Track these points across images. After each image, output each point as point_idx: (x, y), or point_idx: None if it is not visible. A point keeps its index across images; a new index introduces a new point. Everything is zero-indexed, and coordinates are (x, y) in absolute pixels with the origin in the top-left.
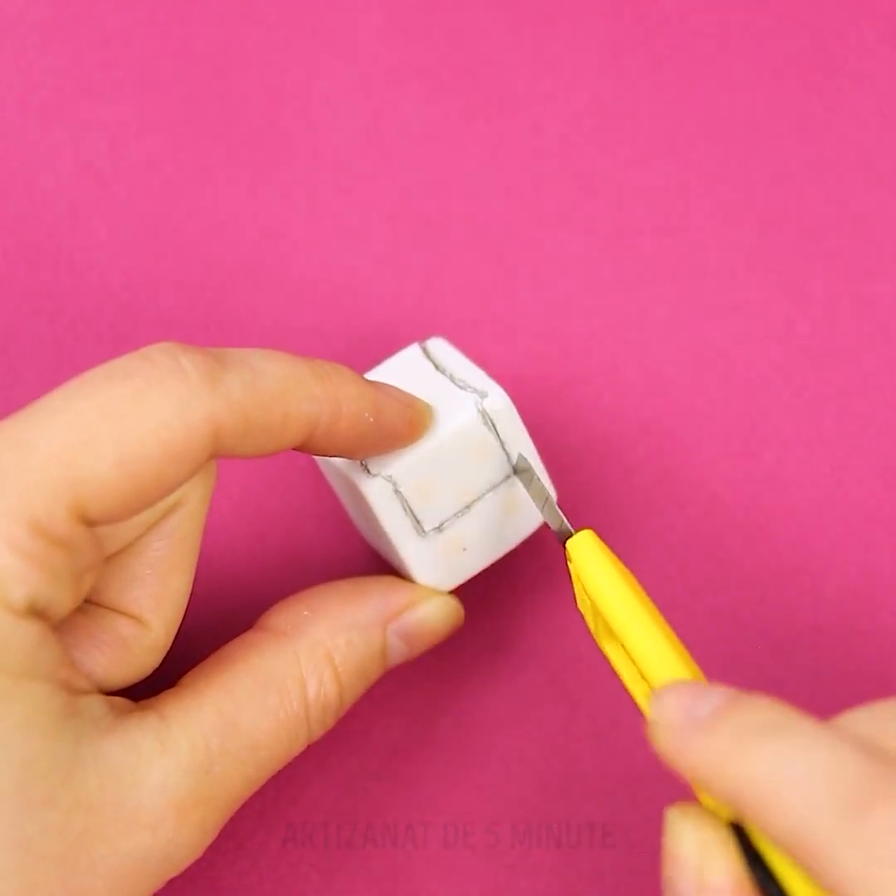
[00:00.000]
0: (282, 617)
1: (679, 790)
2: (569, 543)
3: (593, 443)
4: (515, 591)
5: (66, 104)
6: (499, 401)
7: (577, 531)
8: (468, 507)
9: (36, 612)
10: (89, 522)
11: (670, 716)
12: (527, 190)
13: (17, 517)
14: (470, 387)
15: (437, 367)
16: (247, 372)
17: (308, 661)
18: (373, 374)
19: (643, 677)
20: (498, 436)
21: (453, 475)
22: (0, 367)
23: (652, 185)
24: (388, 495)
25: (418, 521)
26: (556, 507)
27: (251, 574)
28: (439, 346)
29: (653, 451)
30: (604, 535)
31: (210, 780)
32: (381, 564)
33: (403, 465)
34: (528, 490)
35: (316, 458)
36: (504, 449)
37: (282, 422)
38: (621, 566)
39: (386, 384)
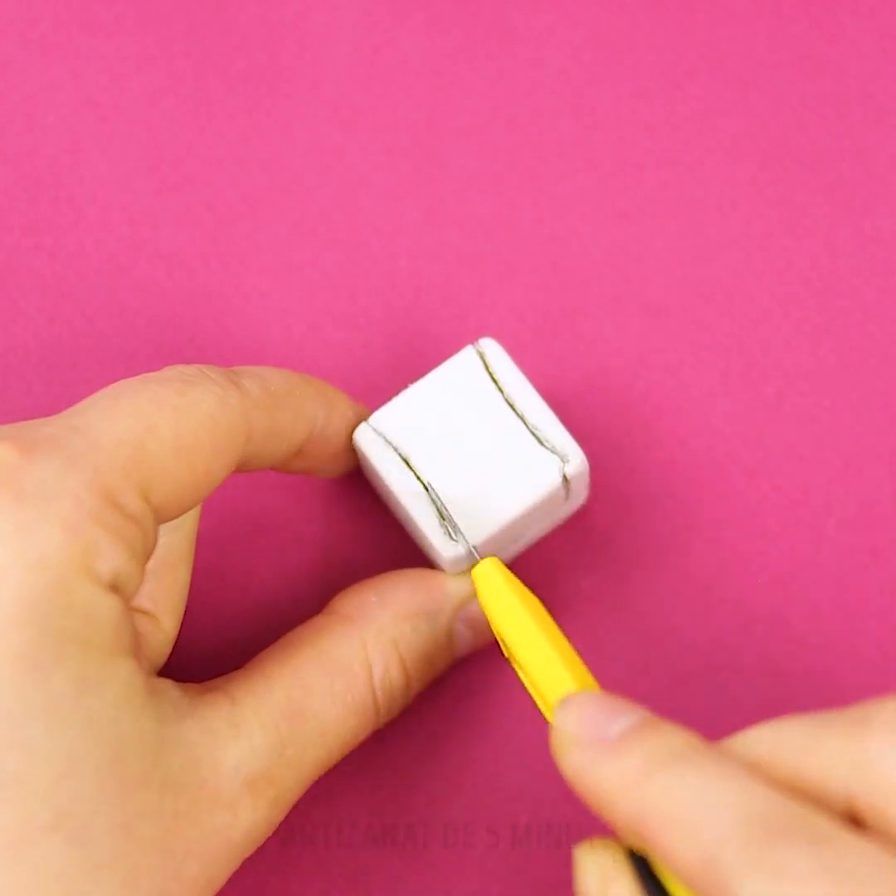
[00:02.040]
0: (349, 602)
1: None
2: (473, 572)
3: (593, 376)
4: None
5: (66, 38)
6: (580, 466)
7: (481, 559)
8: (516, 540)
9: (116, 588)
10: (152, 508)
11: (577, 730)
12: (527, 123)
13: (96, 492)
14: (549, 442)
15: (507, 401)
16: (256, 378)
17: (374, 647)
18: (428, 382)
19: (542, 697)
20: (568, 492)
21: (521, 524)
22: (0, 301)
23: (653, 118)
24: (464, 555)
25: (473, 552)
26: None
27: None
28: (500, 360)
29: (653, 385)
30: (603, 471)
31: (282, 763)
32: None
33: (487, 537)
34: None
35: (362, 467)
36: (568, 499)
37: (292, 422)
38: (524, 591)
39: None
